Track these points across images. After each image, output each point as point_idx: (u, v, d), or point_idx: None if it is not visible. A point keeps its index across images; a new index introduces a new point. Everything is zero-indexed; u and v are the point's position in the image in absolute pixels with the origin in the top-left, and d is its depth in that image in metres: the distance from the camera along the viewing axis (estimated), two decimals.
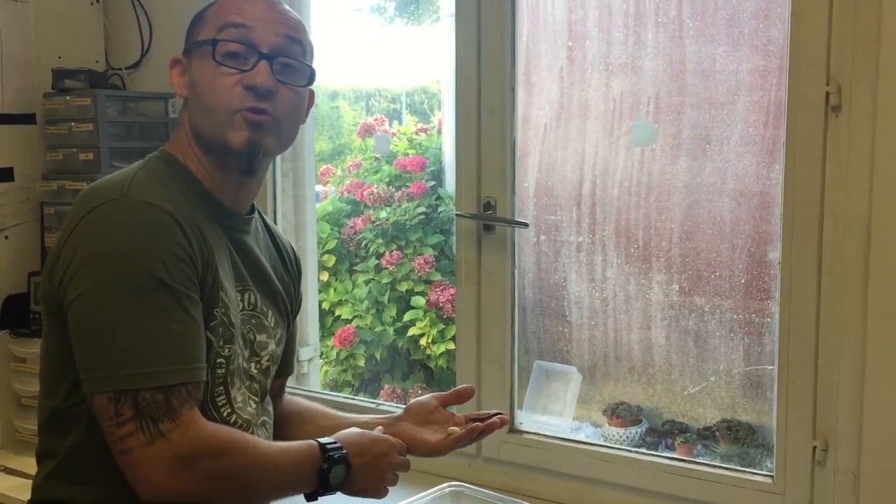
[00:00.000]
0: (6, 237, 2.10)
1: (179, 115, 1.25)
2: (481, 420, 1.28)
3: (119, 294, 1.05)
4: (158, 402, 1.04)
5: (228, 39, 1.16)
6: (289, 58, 1.19)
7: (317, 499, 1.16)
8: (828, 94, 1.41)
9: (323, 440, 1.16)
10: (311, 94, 1.28)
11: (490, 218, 1.77)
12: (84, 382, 1.06)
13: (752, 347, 2.19)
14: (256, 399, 1.25)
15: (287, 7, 1.23)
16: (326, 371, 3.61)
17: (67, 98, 2.04)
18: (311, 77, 1.24)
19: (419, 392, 3.21)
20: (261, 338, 1.26)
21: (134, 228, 1.08)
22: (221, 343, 1.16)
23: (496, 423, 1.27)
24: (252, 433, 1.21)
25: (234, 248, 1.23)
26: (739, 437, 2.22)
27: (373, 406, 2.06)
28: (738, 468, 1.62)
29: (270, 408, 1.32)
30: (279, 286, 1.32)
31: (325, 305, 3.64)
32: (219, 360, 1.16)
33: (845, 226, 1.42)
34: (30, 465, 1.92)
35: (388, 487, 1.22)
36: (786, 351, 1.50)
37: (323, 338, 3.47)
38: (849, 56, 1.39)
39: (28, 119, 2.12)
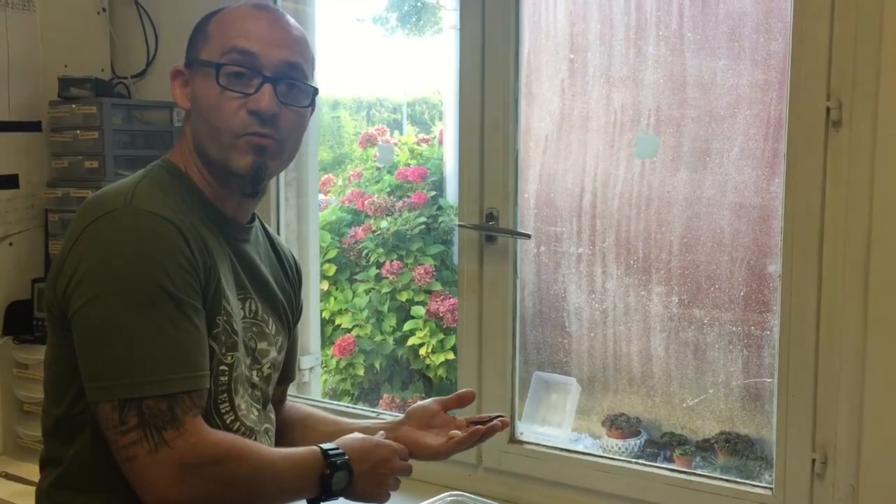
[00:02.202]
0: (10, 244, 2.11)
1: (182, 126, 1.26)
2: (482, 423, 1.28)
3: (123, 303, 1.06)
4: (162, 410, 1.04)
5: (232, 64, 1.17)
6: (292, 79, 1.20)
7: None
8: (828, 108, 1.42)
9: (325, 446, 1.16)
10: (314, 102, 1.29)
11: (492, 229, 1.78)
12: (88, 391, 1.07)
13: (751, 360, 2.19)
14: (259, 406, 1.26)
15: (290, 21, 1.23)
16: (326, 380, 3.61)
17: (73, 106, 2.05)
18: (314, 96, 1.25)
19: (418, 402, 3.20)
20: (262, 345, 1.27)
21: (137, 238, 1.08)
22: (224, 351, 1.17)
23: (497, 425, 1.27)
24: (255, 440, 1.21)
25: (235, 256, 1.24)
26: (738, 450, 2.22)
27: (372, 415, 2.06)
28: (738, 480, 1.63)
29: (273, 415, 1.32)
30: (280, 294, 1.33)
31: (326, 314, 3.65)
32: (222, 368, 1.16)
33: (845, 239, 1.43)
34: (31, 471, 1.93)
35: (391, 492, 1.22)
36: (785, 363, 1.51)
37: (323, 347, 3.47)
38: (849, 71, 1.41)
39: (34, 126, 2.13)
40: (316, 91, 1.24)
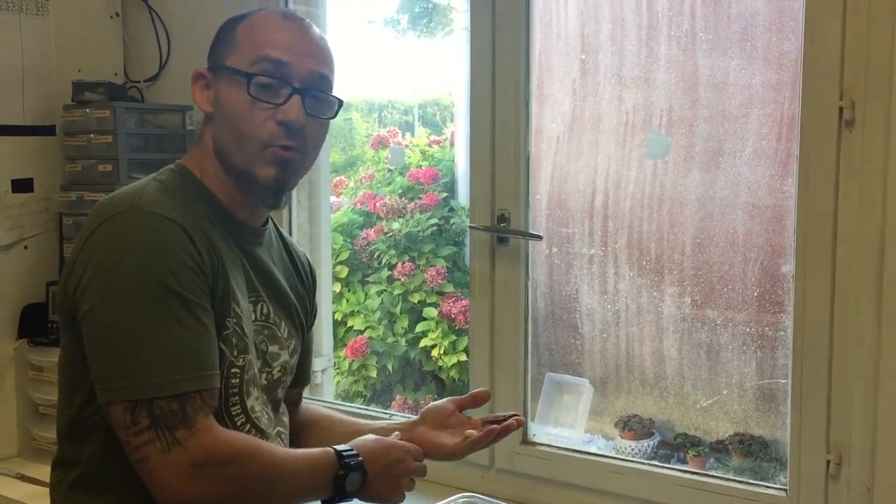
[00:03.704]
0: (25, 247, 2.12)
1: (201, 130, 1.26)
2: (497, 422, 1.28)
3: (131, 304, 1.06)
4: (174, 410, 1.05)
5: (263, 74, 1.17)
6: (320, 91, 1.21)
7: None
8: (841, 108, 1.42)
9: (339, 447, 1.17)
10: None
11: (504, 230, 1.78)
12: (99, 392, 1.08)
13: (765, 361, 2.19)
14: (269, 409, 1.27)
15: (317, 31, 1.24)
16: (338, 381, 3.62)
17: (87, 110, 2.07)
18: (339, 108, 1.25)
19: (430, 403, 3.20)
20: (273, 349, 1.27)
21: (143, 239, 1.09)
22: (236, 353, 1.17)
23: (512, 424, 1.27)
24: None
25: (247, 259, 1.24)
26: (752, 451, 2.22)
27: (385, 416, 2.07)
28: (752, 482, 1.62)
29: (286, 418, 1.33)
30: (293, 297, 1.33)
31: (338, 316, 3.65)
32: (233, 370, 1.17)
33: (859, 239, 1.42)
34: (46, 472, 1.92)
35: (405, 493, 1.22)
36: (799, 364, 1.50)
37: (335, 348, 3.48)
38: (862, 71, 1.40)
39: (48, 130, 2.15)
40: (341, 102, 1.25)
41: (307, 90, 1.19)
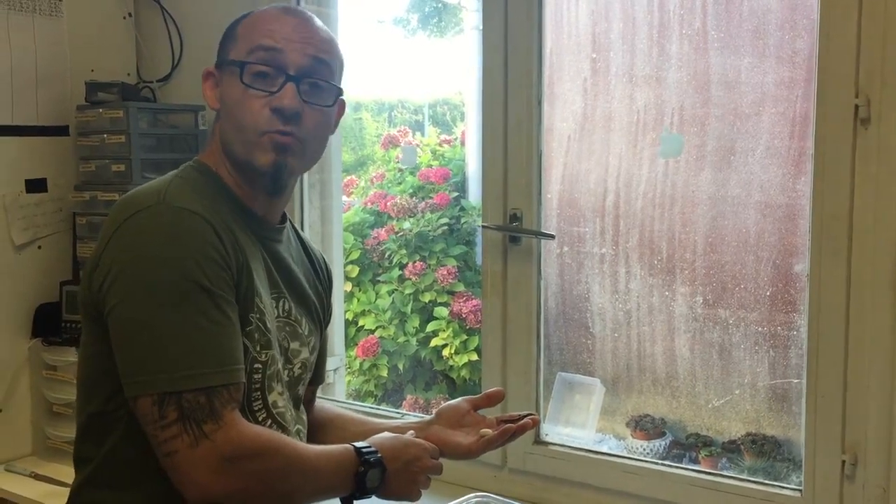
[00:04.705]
0: (39, 247, 2.14)
1: (212, 127, 1.27)
2: (513, 421, 1.28)
3: (158, 298, 1.07)
4: (201, 403, 1.05)
5: (257, 62, 1.18)
6: (316, 78, 1.21)
7: (352, 503, 1.18)
8: (857, 106, 1.41)
9: (358, 444, 1.17)
10: (342, 104, 1.29)
11: (517, 230, 1.78)
12: (126, 386, 1.08)
13: (778, 360, 2.17)
14: (291, 405, 1.27)
15: (318, 24, 1.25)
16: (349, 381, 3.63)
17: (100, 110, 2.08)
18: (338, 96, 1.25)
19: (441, 403, 3.20)
20: (294, 345, 1.28)
21: (170, 233, 1.10)
22: (258, 349, 1.17)
23: (528, 423, 1.28)
24: None
25: (269, 256, 1.25)
26: (765, 451, 2.20)
27: (397, 416, 2.07)
28: (767, 482, 1.61)
29: (305, 416, 1.33)
30: (312, 295, 1.34)
31: (349, 316, 3.66)
32: (256, 366, 1.17)
33: (875, 237, 1.42)
34: (60, 472, 1.96)
35: (422, 490, 1.22)
36: (814, 364, 1.49)
37: (346, 348, 3.49)
38: (878, 68, 1.39)
39: (61, 131, 2.16)
40: (340, 91, 1.25)
41: (302, 77, 1.19)
